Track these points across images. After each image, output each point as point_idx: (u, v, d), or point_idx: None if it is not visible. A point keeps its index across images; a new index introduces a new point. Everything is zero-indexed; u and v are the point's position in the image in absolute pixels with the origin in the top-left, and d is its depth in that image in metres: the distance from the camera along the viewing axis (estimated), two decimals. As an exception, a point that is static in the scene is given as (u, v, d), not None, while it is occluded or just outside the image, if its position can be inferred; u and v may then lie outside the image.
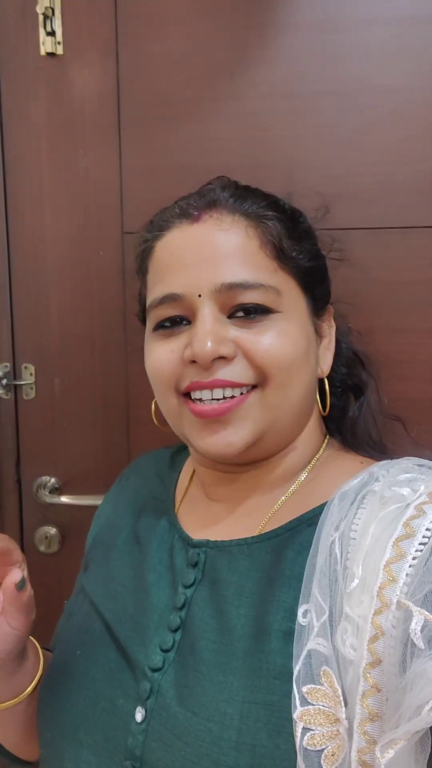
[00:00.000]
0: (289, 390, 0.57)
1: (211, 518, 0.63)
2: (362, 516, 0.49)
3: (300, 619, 0.48)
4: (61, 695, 0.59)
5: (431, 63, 0.83)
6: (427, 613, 0.41)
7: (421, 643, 0.40)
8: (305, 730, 0.44)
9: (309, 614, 0.48)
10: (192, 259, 0.57)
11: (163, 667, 0.54)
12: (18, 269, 0.99)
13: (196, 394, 0.57)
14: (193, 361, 0.56)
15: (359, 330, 0.74)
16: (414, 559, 0.44)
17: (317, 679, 0.45)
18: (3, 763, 0.77)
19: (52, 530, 1.02)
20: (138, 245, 0.65)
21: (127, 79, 0.91)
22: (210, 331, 0.55)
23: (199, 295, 0.56)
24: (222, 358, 0.55)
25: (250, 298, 0.56)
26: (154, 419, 0.67)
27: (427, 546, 0.44)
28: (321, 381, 0.64)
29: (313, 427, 0.64)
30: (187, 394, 0.58)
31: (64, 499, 1.00)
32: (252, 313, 0.56)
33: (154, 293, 0.59)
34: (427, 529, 0.45)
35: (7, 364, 1.00)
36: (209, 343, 0.54)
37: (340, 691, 0.44)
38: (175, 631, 0.56)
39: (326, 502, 0.54)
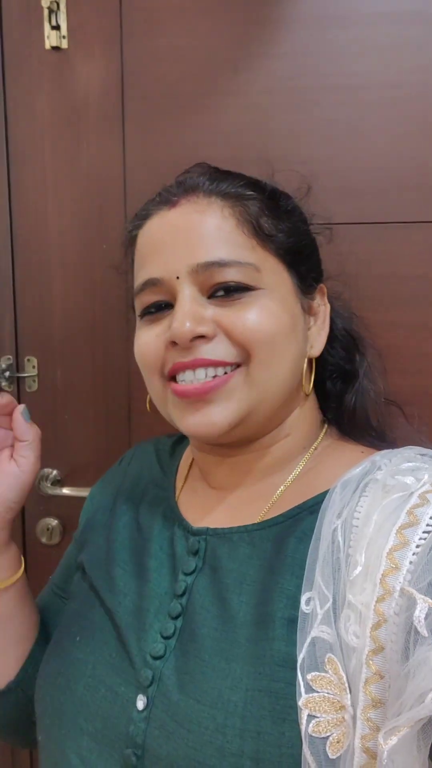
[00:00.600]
0: (274, 366, 0.57)
1: (212, 506, 0.63)
2: (365, 504, 0.49)
3: (303, 606, 0.48)
4: (60, 681, 0.59)
5: (434, 58, 0.83)
6: (431, 600, 0.41)
7: (424, 631, 0.40)
8: (310, 717, 0.44)
9: (312, 602, 0.48)
10: (169, 243, 0.57)
11: (165, 654, 0.54)
12: (21, 262, 0.99)
13: (180, 376, 0.57)
14: (175, 343, 0.56)
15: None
16: (418, 547, 0.44)
17: (322, 666, 0.45)
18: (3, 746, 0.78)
19: (54, 522, 1.03)
20: (125, 237, 0.65)
21: (131, 72, 0.92)
22: (188, 311, 0.55)
23: (177, 277, 0.56)
24: (202, 337, 0.55)
25: (227, 276, 0.56)
26: (148, 407, 0.67)
27: (431, 534, 0.44)
28: (316, 364, 0.64)
29: (306, 412, 0.64)
30: (172, 378, 0.58)
31: (66, 491, 1.01)
32: (232, 291, 0.56)
33: (137, 280, 0.60)
34: (431, 518, 0.45)
35: (10, 357, 1.00)
36: (187, 323, 0.54)
37: (344, 678, 0.45)
38: (176, 618, 0.56)
39: (327, 491, 0.54)
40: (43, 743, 0.60)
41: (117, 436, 0.99)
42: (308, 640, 0.47)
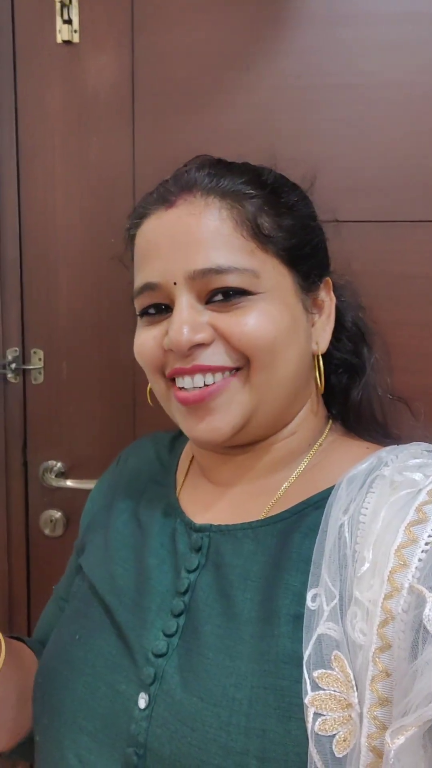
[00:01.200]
0: (275, 370, 0.56)
1: (214, 502, 0.63)
2: (372, 500, 0.49)
3: (309, 603, 0.48)
4: (58, 681, 0.58)
5: (443, 57, 0.82)
6: (440, 598, 0.41)
7: (433, 629, 0.40)
8: (317, 715, 0.44)
9: (318, 598, 0.47)
10: (166, 247, 0.56)
11: (167, 652, 0.53)
12: (29, 255, 0.99)
13: (179, 381, 0.57)
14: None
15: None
16: (427, 544, 0.44)
17: (328, 663, 0.45)
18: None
19: (57, 514, 1.03)
20: (124, 234, 0.65)
21: (142, 68, 0.91)
22: (185, 320, 0.54)
23: (175, 283, 0.56)
24: (200, 344, 0.55)
25: (225, 282, 0.55)
26: (149, 400, 0.67)
27: (440, 532, 0.44)
28: (324, 359, 0.63)
29: (312, 409, 0.63)
30: (173, 379, 0.58)
31: (70, 483, 1.01)
32: (231, 296, 0.55)
33: (136, 282, 0.60)
34: (440, 515, 0.45)
35: (17, 349, 1.00)
36: (185, 333, 0.54)
37: (351, 676, 0.44)
38: (178, 616, 0.55)
39: (332, 487, 0.53)
40: (41, 744, 0.58)
41: (121, 428, 0.99)
42: (314, 637, 0.46)
